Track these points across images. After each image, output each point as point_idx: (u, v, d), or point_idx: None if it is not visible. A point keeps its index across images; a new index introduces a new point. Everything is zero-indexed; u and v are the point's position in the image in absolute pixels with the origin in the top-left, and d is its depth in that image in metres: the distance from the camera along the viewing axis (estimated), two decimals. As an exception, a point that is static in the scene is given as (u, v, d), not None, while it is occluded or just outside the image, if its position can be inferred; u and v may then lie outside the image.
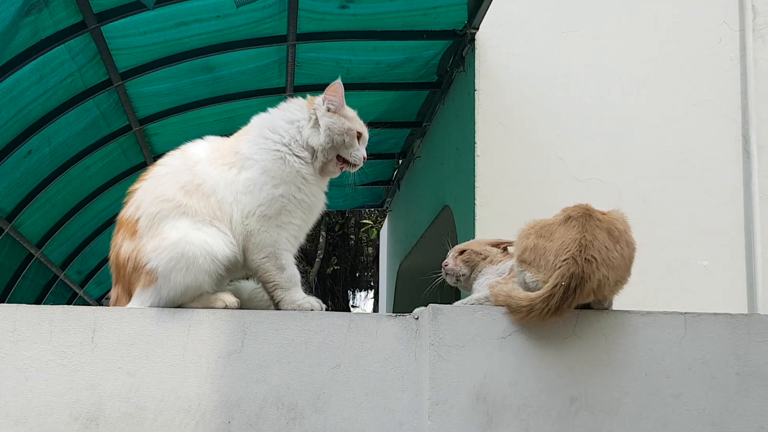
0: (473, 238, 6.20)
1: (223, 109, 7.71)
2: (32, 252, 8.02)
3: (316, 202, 3.43)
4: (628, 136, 6.85)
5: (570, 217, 3.16)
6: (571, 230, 3.10)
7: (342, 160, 3.45)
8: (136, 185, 3.36)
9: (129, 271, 3.23)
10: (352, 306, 21.08)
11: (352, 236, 19.61)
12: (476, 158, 6.65)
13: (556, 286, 2.99)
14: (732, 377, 3.06)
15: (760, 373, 3.07)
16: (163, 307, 3.17)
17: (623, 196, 6.61)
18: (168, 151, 3.49)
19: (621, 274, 3.13)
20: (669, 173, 6.80)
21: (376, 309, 18.83)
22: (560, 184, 6.66)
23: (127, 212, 3.30)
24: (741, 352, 3.08)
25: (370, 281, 20.43)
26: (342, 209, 15.40)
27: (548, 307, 2.98)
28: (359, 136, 3.48)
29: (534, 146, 6.79)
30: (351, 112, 3.52)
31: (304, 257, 17.31)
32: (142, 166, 8.19)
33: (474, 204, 6.56)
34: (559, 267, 3.02)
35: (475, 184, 6.61)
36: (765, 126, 6.84)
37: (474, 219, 6.54)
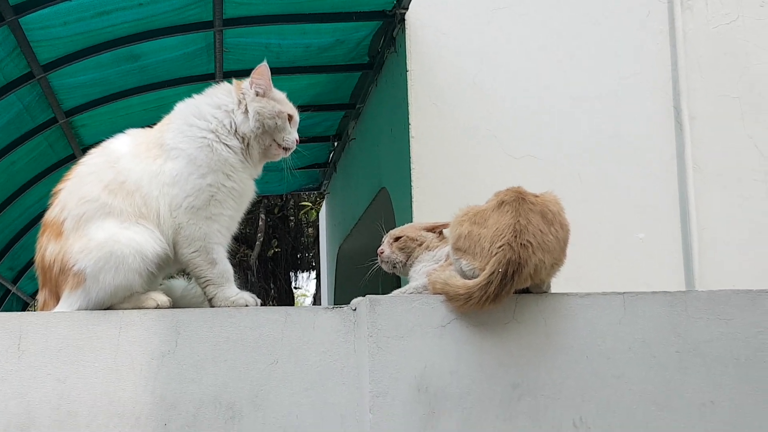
0: (411, 219, 6.17)
1: (152, 98, 7.55)
2: (-39, 252, 7.83)
3: (246, 191, 3.36)
4: (561, 112, 6.84)
5: (503, 202, 3.12)
6: (504, 215, 3.07)
7: (275, 143, 3.38)
8: (60, 185, 3.26)
9: (56, 274, 3.13)
10: (295, 288, 20.98)
11: (291, 218, 19.47)
12: (411, 139, 6.59)
13: (493, 273, 2.95)
14: (672, 355, 3.06)
15: (699, 350, 3.07)
16: (92, 309, 3.08)
17: (558, 172, 6.61)
18: (97, 142, 3.40)
19: (557, 257, 3.10)
20: (603, 148, 6.81)
21: (318, 290, 18.76)
22: (495, 163, 6.63)
23: (52, 213, 3.20)
24: (680, 330, 3.08)
25: (312, 262, 20.33)
26: (279, 193, 15.26)
27: (486, 294, 2.95)
28: (290, 118, 3.41)
29: (468, 125, 6.74)
30: (280, 95, 3.45)
31: (245, 241, 17.18)
32: (70, 159, 8.02)
33: (410, 185, 6.52)
34: (495, 254, 2.98)
35: (411, 165, 6.55)
36: (696, 97, 6.88)
37: (411, 200, 6.49)
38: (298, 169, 9.93)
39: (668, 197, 6.76)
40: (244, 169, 3.31)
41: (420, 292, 3.24)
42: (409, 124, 6.63)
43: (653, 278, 6.34)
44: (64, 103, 7.24)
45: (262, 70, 3.37)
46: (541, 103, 6.85)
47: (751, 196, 6.79)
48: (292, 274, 20.35)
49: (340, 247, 10.49)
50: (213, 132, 3.26)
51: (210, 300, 3.25)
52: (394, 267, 3.60)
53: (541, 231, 3.04)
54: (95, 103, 7.44)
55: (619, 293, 3.11)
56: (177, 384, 3.02)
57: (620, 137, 6.84)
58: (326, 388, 3.06)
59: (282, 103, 3.41)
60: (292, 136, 3.42)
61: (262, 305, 3.28)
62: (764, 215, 6.77)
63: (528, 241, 2.99)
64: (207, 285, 3.24)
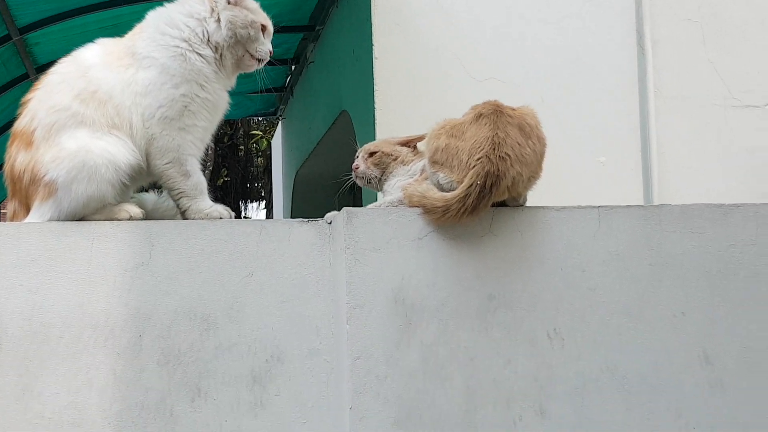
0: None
1: (108, 16, 7.35)
2: None
3: (220, 102, 3.29)
4: (525, 35, 6.80)
5: (481, 115, 3.10)
6: (482, 128, 3.05)
7: (248, 54, 3.32)
8: (29, 95, 3.17)
9: (26, 184, 3.06)
10: (245, 217, 20.91)
11: (241, 147, 19.32)
12: (374, 61, 6.52)
13: (471, 185, 2.95)
14: (645, 268, 3.10)
15: (672, 263, 3.11)
16: (63, 220, 3.02)
17: (522, 95, 6.48)
18: (51, 61, 3.30)
19: (534, 170, 3.11)
20: (565, 71, 6.80)
21: (269, 218, 18.72)
22: (459, 85, 6.59)
23: (21, 123, 3.12)
24: (654, 244, 3.11)
25: (261, 192, 20.25)
26: (234, 118, 15.11)
27: (464, 206, 2.94)
28: (264, 28, 3.34)
29: (432, 47, 6.68)
30: (253, 4, 3.36)
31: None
32: (23, 78, 7.85)
33: (373, 108, 6.46)
34: (474, 166, 2.97)
35: (374, 87, 6.49)
36: (659, 21, 6.89)
37: (374, 123, 6.45)
38: (255, 93, 9.81)
39: (629, 121, 6.79)
40: (217, 80, 3.25)
41: (395, 206, 3.24)
42: (372, 45, 6.54)
43: (613, 198, 6.38)
44: (18, 20, 7.04)
45: None
46: (504, 25, 6.80)
47: (710, 121, 6.85)
48: (241, 203, 20.25)
49: (297, 172, 10.43)
50: (186, 41, 3.19)
51: (183, 212, 3.21)
52: (369, 182, 3.58)
53: (518, 144, 3.03)
54: (50, 20, 7.23)
55: (594, 207, 3.13)
56: (151, 296, 2.99)
57: (583, 60, 6.83)
58: (302, 300, 3.05)
59: (255, 12, 3.34)
60: (265, 47, 3.35)
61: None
62: (723, 139, 6.84)
63: (506, 153, 2.99)
64: (180, 197, 3.20)
